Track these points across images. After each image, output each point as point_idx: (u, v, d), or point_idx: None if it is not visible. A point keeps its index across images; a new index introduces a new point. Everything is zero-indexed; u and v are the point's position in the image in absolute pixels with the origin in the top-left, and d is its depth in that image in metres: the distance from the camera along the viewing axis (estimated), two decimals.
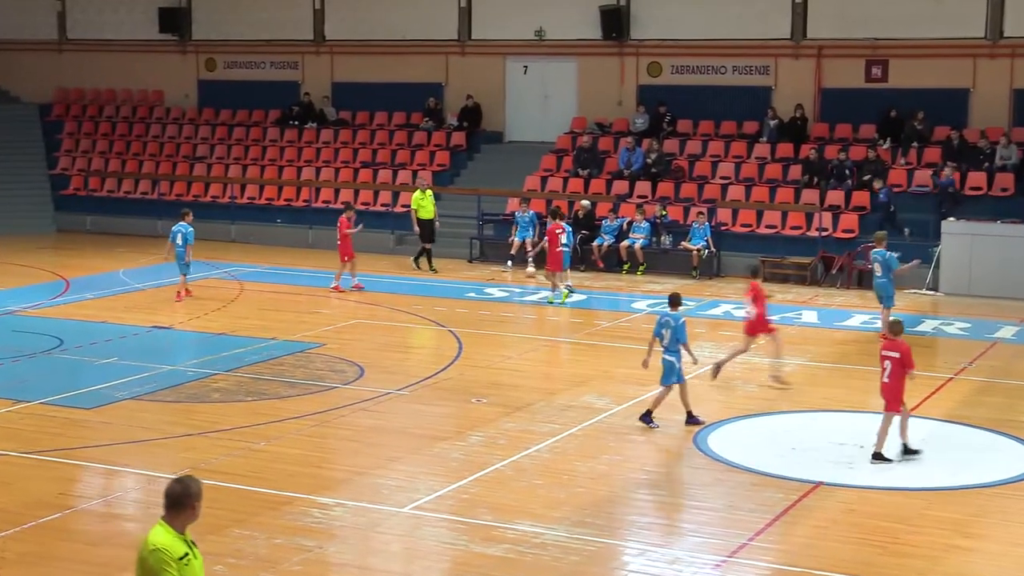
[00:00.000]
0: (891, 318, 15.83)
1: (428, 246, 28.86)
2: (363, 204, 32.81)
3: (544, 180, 32.12)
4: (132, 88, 38.95)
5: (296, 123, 36.13)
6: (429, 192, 29.36)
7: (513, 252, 29.05)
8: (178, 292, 24.85)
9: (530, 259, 28.36)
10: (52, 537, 12.42)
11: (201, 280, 26.68)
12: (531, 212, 29.36)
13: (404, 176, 33.14)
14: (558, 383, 18.74)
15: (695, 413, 16.35)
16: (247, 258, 28.13)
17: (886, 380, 14.73)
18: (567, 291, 25.31)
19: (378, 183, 33.47)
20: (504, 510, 13.11)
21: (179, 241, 24.79)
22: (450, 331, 22.32)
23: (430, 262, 28.70)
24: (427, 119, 34.95)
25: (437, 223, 29.13)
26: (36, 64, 39.49)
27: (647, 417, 16.23)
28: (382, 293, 26.01)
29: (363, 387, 18.25)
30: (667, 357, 16.24)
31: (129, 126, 38.12)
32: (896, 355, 14.68)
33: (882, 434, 14.81)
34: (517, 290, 26.85)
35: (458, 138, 34.37)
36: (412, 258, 29.12)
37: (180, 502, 7.79)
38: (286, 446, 15.37)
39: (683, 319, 16.35)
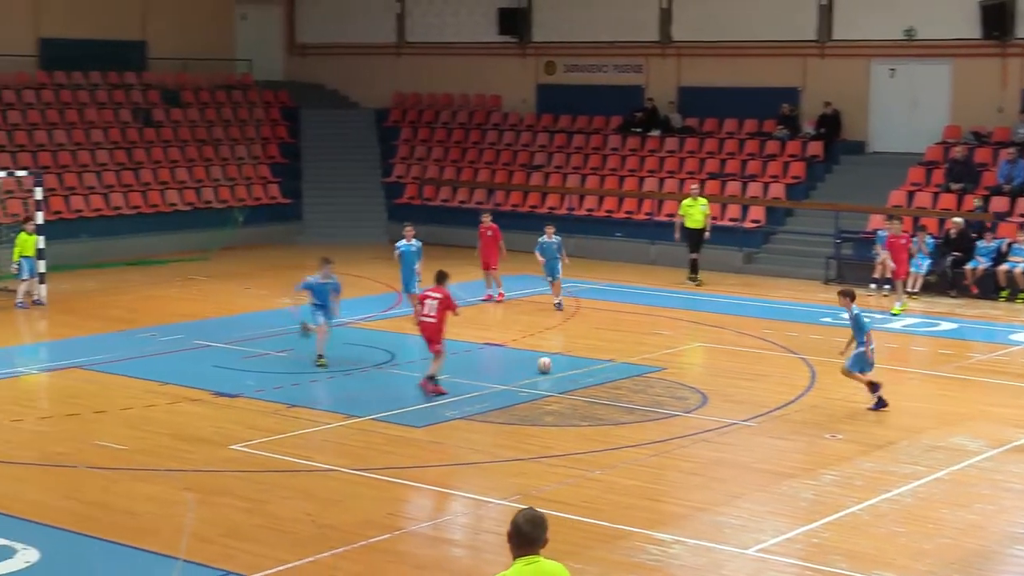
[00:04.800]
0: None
1: (694, 256, 29.73)
2: (711, 219, 32.79)
3: (911, 195, 31.26)
4: (469, 93, 40.16)
5: (639, 130, 36.44)
6: (701, 200, 29.96)
7: (877, 275, 28.28)
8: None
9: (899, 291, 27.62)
10: (381, 559, 12.94)
11: (534, 296, 27.27)
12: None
13: (755, 189, 32.96)
14: (924, 420, 18.18)
15: None
16: (584, 274, 28.57)
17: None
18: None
19: (726, 195, 33.38)
20: (861, 558, 12.82)
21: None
22: (802, 359, 22.02)
23: (696, 272, 29.72)
24: (781, 127, 34.63)
25: (707, 233, 29.89)
26: (375, 69, 41.25)
27: None
28: (728, 315, 25.91)
29: (706, 416, 18.23)
30: None
31: (465, 132, 39.29)
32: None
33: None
34: (878, 316, 26.20)
35: (815, 148, 33.90)
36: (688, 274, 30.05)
37: (536, 539, 7.53)
38: (621, 476, 15.51)
39: None
